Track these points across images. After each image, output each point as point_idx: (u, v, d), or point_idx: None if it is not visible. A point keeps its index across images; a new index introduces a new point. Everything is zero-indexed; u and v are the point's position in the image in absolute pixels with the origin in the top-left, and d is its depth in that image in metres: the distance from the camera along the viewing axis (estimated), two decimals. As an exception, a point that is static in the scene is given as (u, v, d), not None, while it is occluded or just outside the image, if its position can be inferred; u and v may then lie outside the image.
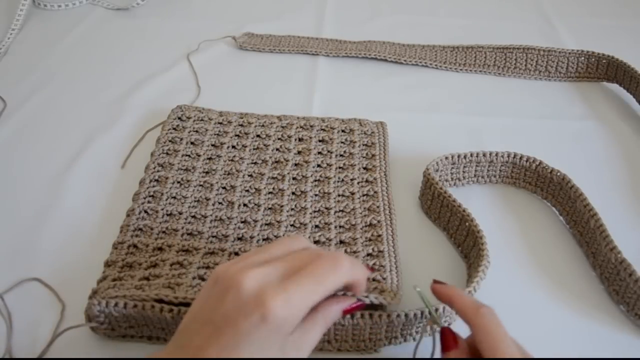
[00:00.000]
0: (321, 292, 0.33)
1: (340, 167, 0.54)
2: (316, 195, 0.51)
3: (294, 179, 0.53)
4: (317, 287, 0.33)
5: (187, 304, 0.39)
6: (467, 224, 0.46)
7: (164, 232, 0.47)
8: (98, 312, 0.39)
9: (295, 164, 0.54)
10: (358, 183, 0.52)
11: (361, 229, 0.48)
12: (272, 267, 0.33)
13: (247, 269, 0.33)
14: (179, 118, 0.59)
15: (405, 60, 0.74)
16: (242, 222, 0.49)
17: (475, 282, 0.40)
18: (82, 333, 0.41)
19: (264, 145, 0.56)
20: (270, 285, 0.32)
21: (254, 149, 0.56)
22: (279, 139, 0.57)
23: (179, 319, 0.38)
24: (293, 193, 0.51)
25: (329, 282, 0.34)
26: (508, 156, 0.53)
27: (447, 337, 0.36)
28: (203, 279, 0.42)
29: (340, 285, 0.34)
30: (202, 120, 0.59)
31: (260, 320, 0.31)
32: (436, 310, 0.38)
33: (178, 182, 0.52)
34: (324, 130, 0.58)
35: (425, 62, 0.74)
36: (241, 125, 0.59)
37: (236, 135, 0.58)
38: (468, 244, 0.46)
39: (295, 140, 0.57)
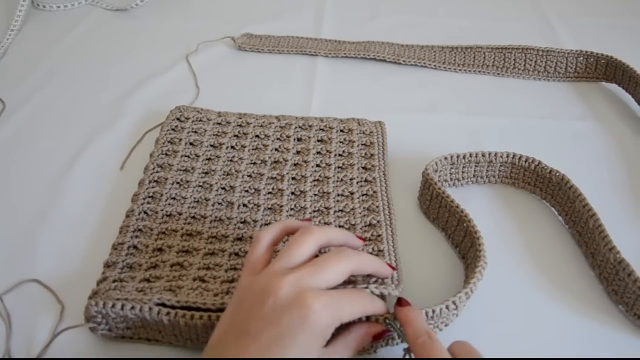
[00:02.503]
0: (355, 313, 0.36)
1: (339, 167, 0.54)
2: (315, 195, 0.51)
3: (293, 178, 0.53)
4: (353, 308, 0.36)
5: (189, 307, 0.39)
6: (464, 224, 0.46)
7: (163, 232, 0.47)
8: (95, 313, 0.39)
9: (295, 164, 0.54)
10: (357, 182, 0.52)
11: (361, 228, 0.48)
12: (304, 271, 0.35)
13: (280, 275, 0.34)
14: (178, 119, 0.59)
15: (404, 61, 0.74)
16: (241, 222, 0.49)
17: (472, 284, 0.40)
18: (81, 333, 0.41)
19: (263, 145, 0.56)
20: (309, 288, 0.34)
21: (253, 149, 0.56)
22: (277, 139, 0.57)
23: (176, 322, 0.38)
24: (292, 193, 0.51)
25: (365, 308, 0.37)
26: (507, 156, 0.53)
27: None
28: (203, 281, 0.42)
29: (375, 310, 0.37)
30: (200, 120, 0.59)
31: (301, 321, 0.32)
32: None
33: (177, 182, 0.52)
34: (322, 130, 0.58)
35: (424, 63, 0.74)
36: (240, 125, 0.59)
37: (235, 136, 0.58)
38: (466, 245, 0.46)
39: (294, 140, 0.57)
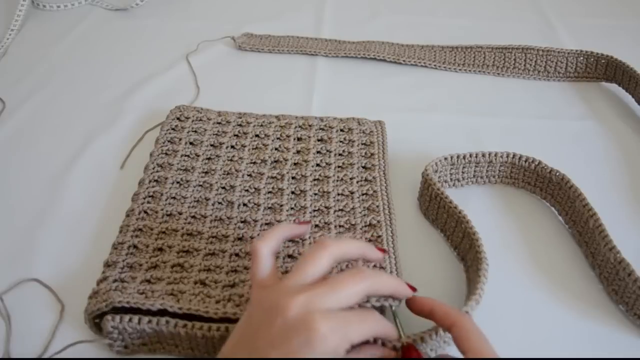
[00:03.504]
0: (365, 334, 0.35)
1: (339, 166, 0.54)
2: (315, 194, 0.51)
3: (293, 178, 0.53)
4: (363, 329, 0.34)
5: (192, 316, 0.39)
6: (463, 225, 0.46)
7: (163, 232, 0.47)
8: (112, 328, 0.39)
9: (295, 163, 0.54)
10: (357, 182, 0.52)
11: (361, 229, 0.48)
12: (316, 292, 0.34)
13: (291, 294, 0.34)
14: (178, 118, 0.59)
15: (404, 61, 0.74)
16: (241, 221, 0.48)
17: (479, 289, 0.40)
18: (82, 335, 0.41)
19: (263, 145, 0.56)
20: (318, 310, 0.33)
21: (253, 148, 0.56)
22: (277, 138, 0.57)
23: (193, 334, 0.38)
24: (292, 192, 0.51)
25: (375, 329, 0.35)
26: (507, 156, 0.53)
27: (411, 351, 0.36)
28: (204, 284, 0.42)
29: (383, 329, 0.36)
30: (200, 120, 0.59)
31: (308, 344, 0.31)
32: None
33: (177, 182, 0.52)
34: (322, 129, 0.58)
35: (424, 62, 0.74)
36: (240, 125, 0.59)
37: (235, 135, 0.58)
38: (464, 246, 0.46)
39: (294, 139, 0.57)
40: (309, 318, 0.32)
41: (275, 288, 0.35)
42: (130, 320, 0.39)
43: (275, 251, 0.38)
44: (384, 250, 0.40)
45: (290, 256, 0.45)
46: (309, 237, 0.47)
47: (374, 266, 0.44)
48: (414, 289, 0.38)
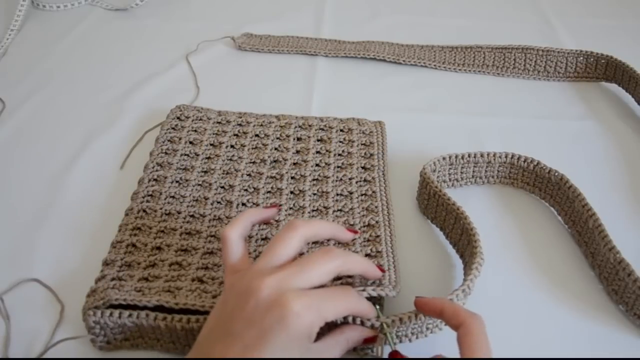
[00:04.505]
0: (340, 311, 0.35)
1: (338, 167, 0.54)
2: (314, 194, 0.51)
3: (292, 178, 0.53)
4: (337, 307, 0.35)
5: (187, 310, 0.39)
6: (461, 222, 0.46)
7: (162, 231, 0.47)
8: (93, 324, 0.39)
9: (294, 163, 0.54)
10: (356, 182, 0.52)
11: (359, 229, 0.47)
12: (287, 272, 0.34)
13: (262, 275, 0.34)
14: (178, 118, 0.59)
15: (404, 61, 0.74)
16: (240, 221, 0.49)
17: (469, 281, 0.40)
18: (80, 334, 0.41)
19: (263, 144, 0.56)
20: (290, 289, 0.33)
21: (252, 148, 0.56)
22: (277, 138, 0.57)
23: (173, 326, 0.38)
24: (291, 192, 0.51)
25: (350, 305, 0.36)
26: (506, 157, 0.53)
27: (395, 356, 0.37)
28: (202, 281, 0.42)
29: (361, 306, 0.37)
30: (200, 119, 0.59)
31: (281, 321, 0.32)
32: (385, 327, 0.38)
33: (177, 181, 0.52)
34: (322, 129, 0.58)
35: (424, 62, 0.74)
36: (240, 124, 0.59)
37: (235, 135, 0.58)
38: (463, 243, 0.46)
39: (294, 139, 0.57)
40: (281, 297, 0.33)
41: (247, 272, 0.35)
42: (111, 314, 0.39)
43: (243, 235, 0.39)
44: (355, 231, 0.41)
45: (264, 239, 0.46)
46: (284, 219, 0.48)
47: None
48: (383, 271, 0.40)
